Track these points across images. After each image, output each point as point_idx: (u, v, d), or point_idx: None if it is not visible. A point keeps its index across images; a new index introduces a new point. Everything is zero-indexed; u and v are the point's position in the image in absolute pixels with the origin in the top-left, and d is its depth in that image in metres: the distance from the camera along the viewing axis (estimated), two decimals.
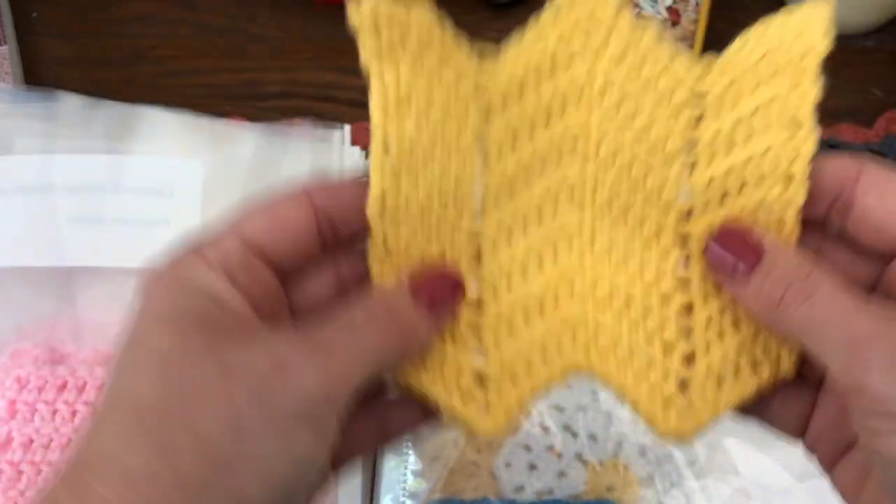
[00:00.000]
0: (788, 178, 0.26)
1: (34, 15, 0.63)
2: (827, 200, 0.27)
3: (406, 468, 0.46)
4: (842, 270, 0.26)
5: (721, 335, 0.27)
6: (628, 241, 0.28)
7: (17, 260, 0.49)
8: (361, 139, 0.57)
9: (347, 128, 0.55)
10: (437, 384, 0.27)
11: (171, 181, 0.52)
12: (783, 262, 0.26)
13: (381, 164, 0.25)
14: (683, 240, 0.27)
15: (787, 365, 0.27)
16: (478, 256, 0.28)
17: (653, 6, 0.58)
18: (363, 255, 0.28)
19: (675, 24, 0.57)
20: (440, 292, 0.27)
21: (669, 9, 0.58)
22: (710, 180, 0.27)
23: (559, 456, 0.47)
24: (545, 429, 0.47)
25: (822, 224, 0.28)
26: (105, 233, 0.50)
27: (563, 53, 0.27)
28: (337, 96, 0.60)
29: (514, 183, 0.27)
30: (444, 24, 0.26)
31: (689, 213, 0.27)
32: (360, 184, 0.27)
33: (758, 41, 0.28)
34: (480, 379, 0.27)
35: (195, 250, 0.26)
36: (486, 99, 0.27)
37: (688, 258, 0.27)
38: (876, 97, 0.59)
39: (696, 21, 0.58)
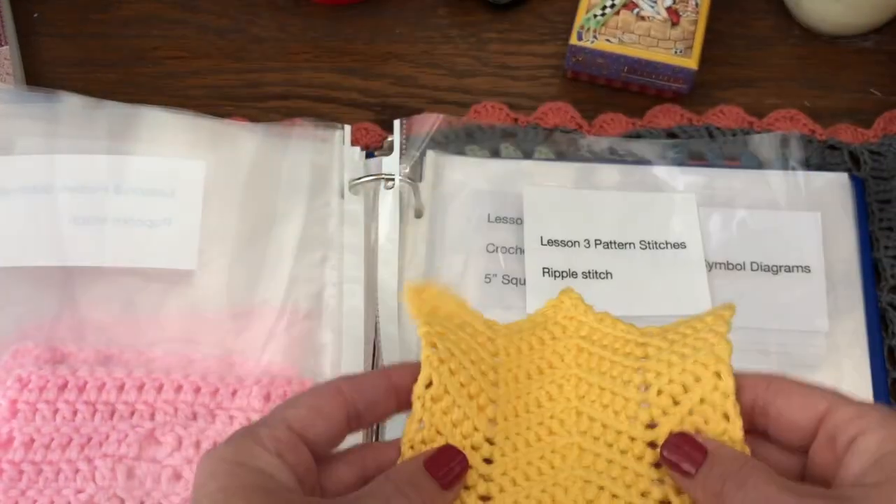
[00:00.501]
0: (726, 417, 0.32)
1: (35, 15, 0.63)
2: (748, 410, 0.32)
3: None
4: (774, 465, 0.31)
5: None
6: (608, 453, 0.33)
7: (18, 260, 0.49)
8: (361, 139, 0.57)
9: (348, 128, 0.55)
10: None
11: (172, 181, 0.52)
12: (722, 459, 0.31)
13: (430, 360, 0.33)
14: (654, 446, 0.33)
15: None
16: (489, 460, 0.34)
17: (652, 7, 0.58)
18: (385, 451, 0.33)
19: (674, 24, 0.58)
20: (449, 464, 0.32)
21: (669, 9, 0.58)
22: (661, 410, 0.33)
23: None
24: None
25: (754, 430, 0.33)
26: (106, 233, 0.50)
27: (547, 336, 0.36)
28: (337, 97, 0.60)
29: (517, 409, 0.35)
30: (464, 302, 0.36)
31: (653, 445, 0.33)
32: (383, 377, 0.34)
33: (680, 328, 0.35)
34: None
35: (251, 434, 0.31)
36: (495, 346, 0.36)
37: (659, 463, 0.33)
38: (875, 97, 0.59)
39: (695, 21, 0.58)
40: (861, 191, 0.54)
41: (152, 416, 0.46)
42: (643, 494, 0.32)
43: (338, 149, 0.54)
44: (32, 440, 0.45)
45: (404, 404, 0.34)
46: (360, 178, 0.53)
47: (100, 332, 0.49)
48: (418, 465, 0.32)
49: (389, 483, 0.31)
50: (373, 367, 0.49)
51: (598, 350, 0.35)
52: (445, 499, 0.32)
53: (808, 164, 0.55)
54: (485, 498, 0.33)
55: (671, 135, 0.57)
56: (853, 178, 0.54)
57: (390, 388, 0.33)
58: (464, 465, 0.33)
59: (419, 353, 0.47)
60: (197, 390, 0.46)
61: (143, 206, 0.51)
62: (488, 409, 0.34)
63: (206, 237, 0.51)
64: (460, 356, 0.34)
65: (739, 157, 0.55)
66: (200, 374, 0.47)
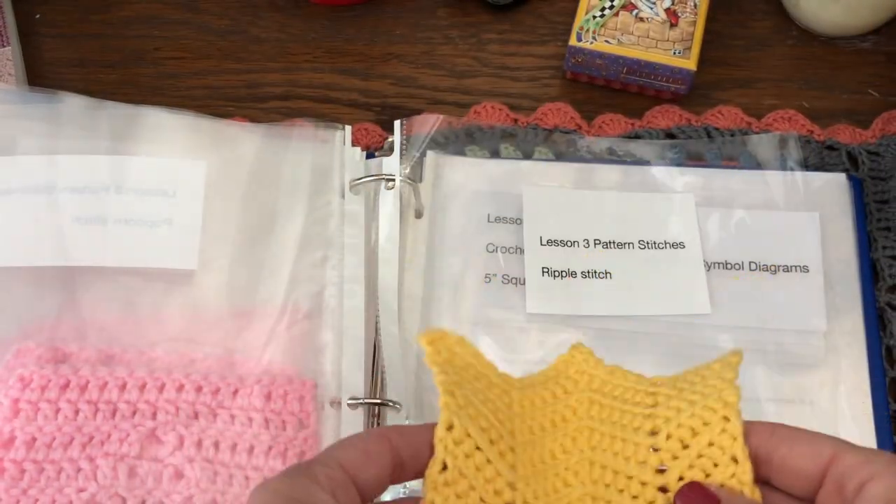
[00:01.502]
0: (734, 460, 0.32)
1: (37, 16, 0.63)
2: (752, 458, 0.32)
3: None
4: None
5: None
6: (619, 499, 0.34)
7: (20, 260, 0.50)
8: (362, 140, 0.57)
9: (348, 128, 0.55)
10: None
11: (173, 182, 0.52)
12: None
13: (449, 405, 0.33)
14: (664, 490, 0.34)
15: None
16: None
17: (651, 8, 0.58)
18: None
19: (673, 25, 0.58)
20: None
21: (668, 10, 0.58)
22: (680, 478, 0.33)
23: None
24: None
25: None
26: (108, 233, 0.50)
27: (560, 389, 0.36)
28: (337, 97, 0.60)
29: (533, 461, 0.35)
30: (480, 354, 0.36)
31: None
32: (427, 430, 0.33)
33: (688, 377, 0.35)
34: None
35: (306, 470, 0.31)
36: (510, 398, 0.36)
37: None
38: (873, 98, 0.59)
39: (693, 22, 0.58)
40: (859, 191, 0.54)
41: (154, 416, 0.46)
42: None
43: (338, 149, 0.54)
44: (34, 439, 0.45)
45: None
46: (360, 179, 0.53)
47: (101, 331, 0.49)
48: None
49: None
50: (373, 367, 0.49)
51: (610, 401, 0.36)
52: None
53: (807, 165, 0.55)
54: None
55: (670, 135, 0.57)
56: (851, 178, 0.54)
57: (433, 440, 0.33)
58: None
59: (420, 355, 0.47)
60: (198, 389, 0.47)
61: (144, 206, 0.51)
62: (508, 456, 0.34)
63: (206, 237, 0.51)
64: (478, 404, 0.34)
65: (738, 158, 0.55)
66: (202, 373, 0.47)
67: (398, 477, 0.33)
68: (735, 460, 0.32)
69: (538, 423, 0.36)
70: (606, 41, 0.57)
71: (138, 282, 0.50)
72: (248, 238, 0.51)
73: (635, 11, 0.58)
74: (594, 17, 0.58)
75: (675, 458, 0.33)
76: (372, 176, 0.53)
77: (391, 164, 0.53)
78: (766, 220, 0.52)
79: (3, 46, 0.59)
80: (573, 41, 0.58)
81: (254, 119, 0.58)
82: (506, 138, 0.57)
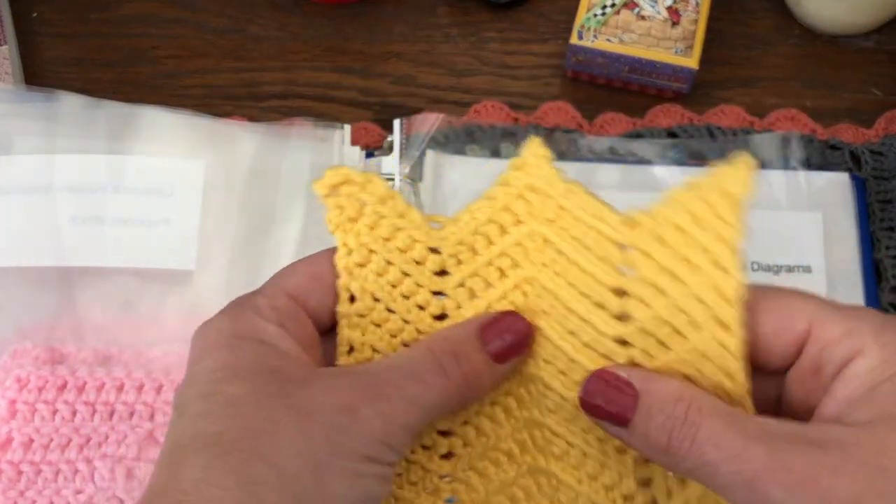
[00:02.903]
0: (721, 324, 0.25)
1: (34, 15, 0.63)
2: None
3: None
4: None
5: None
6: (583, 444, 0.29)
7: (17, 260, 0.49)
8: (361, 139, 0.57)
9: (347, 128, 0.55)
10: None
11: (171, 181, 0.52)
12: (658, 402, 0.25)
13: (347, 315, 0.29)
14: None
15: None
16: (449, 454, 0.30)
17: (652, 6, 0.58)
18: None
19: (674, 23, 0.57)
20: (509, 332, 0.28)
21: (669, 9, 0.58)
22: (642, 328, 0.26)
23: None
24: None
25: None
26: (105, 233, 0.50)
27: (509, 220, 0.29)
28: (336, 96, 0.60)
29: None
30: (397, 196, 0.29)
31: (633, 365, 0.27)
32: None
33: (680, 197, 0.27)
34: None
35: (247, 304, 0.28)
36: (439, 260, 0.29)
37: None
38: (876, 97, 0.59)
39: (695, 21, 0.58)
40: (862, 191, 0.54)
41: (152, 417, 0.45)
42: (626, 499, 0.28)
43: (337, 148, 0.54)
44: (31, 441, 0.45)
45: None
46: None
47: (99, 332, 0.49)
48: (470, 330, 0.28)
49: (426, 353, 0.27)
50: None
51: (568, 246, 0.28)
52: (494, 375, 0.28)
53: (809, 164, 0.54)
54: (447, 455, 0.30)
55: (672, 134, 0.57)
56: (854, 177, 0.54)
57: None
58: (528, 335, 0.28)
59: None
60: None
61: (142, 205, 0.51)
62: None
63: (205, 237, 0.51)
64: (387, 296, 0.29)
65: None
66: None
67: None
68: (723, 325, 0.25)
69: (482, 278, 0.29)
70: (608, 39, 0.57)
71: (136, 282, 0.50)
72: (247, 238, 0.51)
73: (637, 9, 0.58)
74: (595, 15, 0.58)
75: (644, 304, 0.26)
76: None
77: (390, 163, 0.53)
78: (769, 220, 0.52)
79: (1, 45, 0.59)
80: (574, 39, 0.57)
81: (252, 118, 0.58)
82: (506, 137, 0.56)
